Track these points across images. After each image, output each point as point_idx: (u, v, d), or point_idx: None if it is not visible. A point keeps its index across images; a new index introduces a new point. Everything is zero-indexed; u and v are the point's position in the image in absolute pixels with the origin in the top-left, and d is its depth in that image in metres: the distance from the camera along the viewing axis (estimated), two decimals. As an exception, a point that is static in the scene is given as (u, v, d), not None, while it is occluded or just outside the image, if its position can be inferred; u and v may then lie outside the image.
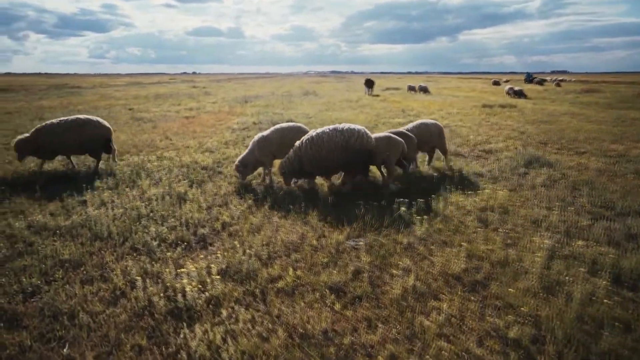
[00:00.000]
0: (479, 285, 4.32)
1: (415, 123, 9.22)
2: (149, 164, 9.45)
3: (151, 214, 6.24)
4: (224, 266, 4.70)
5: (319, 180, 8.04)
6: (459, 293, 4.16)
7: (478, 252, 5.00)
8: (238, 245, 5.17)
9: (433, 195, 7.04)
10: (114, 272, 4.54)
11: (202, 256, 4.96)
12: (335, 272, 4.59)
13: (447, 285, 4.33)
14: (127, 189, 7.60)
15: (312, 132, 7.33)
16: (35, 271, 4.58)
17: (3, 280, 4.41)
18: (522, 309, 3.83)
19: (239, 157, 8.14)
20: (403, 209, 6.23)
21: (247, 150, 8.20)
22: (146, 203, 6.68)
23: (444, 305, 3.94)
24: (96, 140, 9.08)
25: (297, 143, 7.34)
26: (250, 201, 6.85)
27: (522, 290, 4.13)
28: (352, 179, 7.69)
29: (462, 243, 5.25)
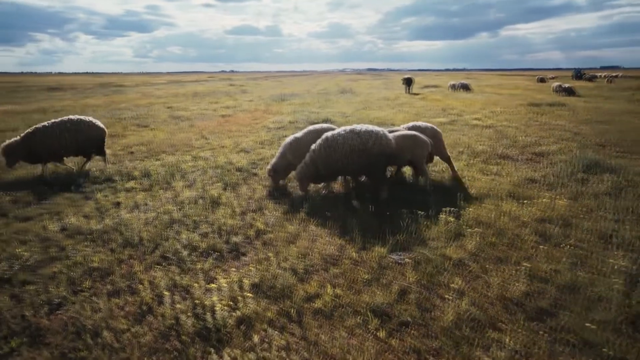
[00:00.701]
0: (545, 314, 3.77)
1: (407, 125, 8.29)
2: (184, 165, 9.29)
3: (183, 219, 5.99)
4: (257, 280, 4.35)
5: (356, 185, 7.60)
6: (522, 323, 3.63)
7: (540, 272, 4.43)
8: (272, 257, 4.82)
9: (481, 204, 6.46)
10: (142, 284, 4.28)
11: (234, 268, 4.63)
12: (378, 291, 4.15)
13: (506, 312, 3.81)
14: (161, 191, 7.43)
15: (327, 134, 6.86)
16: (64, 280, 4.38)
17: (32, 288, 4.23)
18: (604, 349, 3.27)
19: (271, 162, 7.79)
20: (451, 219, 5.71)
21: (278, 154, 7.79)
22: (179, 207, 6.45)
23: (506, 338, 3.42)
24: (92, 141, 8.81)
25: (313, 146, 6.92)
26: (285, 206, 6.50)
27: (600, 324, 3.56)
28: (387, 183, 7.23)
29: (521, 261, 4.69)
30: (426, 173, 7.22)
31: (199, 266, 4.66)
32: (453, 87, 35.73)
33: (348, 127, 6.81)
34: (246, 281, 4.26)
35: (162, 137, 13.15)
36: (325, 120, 16.23)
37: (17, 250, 4.97)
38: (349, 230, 5.55)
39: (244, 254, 5.03)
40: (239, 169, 8.91)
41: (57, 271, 4.55)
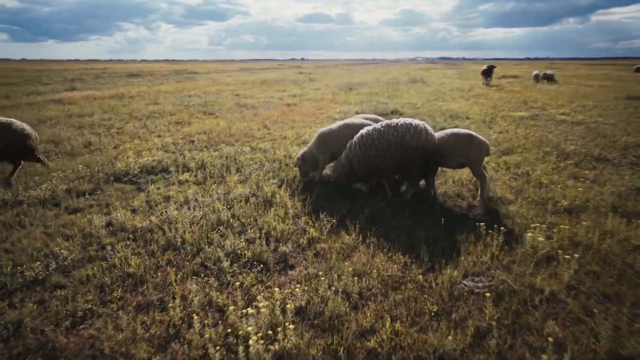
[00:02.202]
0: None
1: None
2: (241, 157, 8.87)
3: (231, 220, 5.50)
4: (302, 303, 3.72)
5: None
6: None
7: (668, 323, 3.38)
8: (323, 276, 4.15)
9: (577, 219, 5.35)
10: (175, 298, 3.80)
11: (278, 287, 4.02)
12: (448, 330, 3.35)
13: (625, 381, 2.86)
14: (214, 186, 7.02)
15: (363, 131, 6.34)
16: (95, 286, 4.02)
17: (61, 294, 3.90)
18: None
19: (302, 150, 7.30)
20: (540, 238, 4.72)
21: (310, 143, 7.37)
22: (228, 205, 5.97)
23: None
24: (12, 146, 7.30)
25: (349, 143, 6.46)
26: (344, 210, 5.80)
27: None
28: (415, 184, 6.55)
29: (638, 303, 3.65)
30: (484, 179, 6.21)
31: (240, 280, 4.10)
32: (536, 77, 32.83)
33: (384, 122, 6.25)
34: (290, 305, 3.63)
35: (224, 125, 12.93)
36: (394, 112, 15.26)
37: (57, 248, 4.71)
38: (415, 245, 4.75)
39: (292, 267, 4.42)
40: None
41: (91, 274, 4.21)
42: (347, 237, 4.99)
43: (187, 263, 4.45)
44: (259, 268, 4.35)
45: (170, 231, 5.13)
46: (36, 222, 5.52)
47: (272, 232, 5.15)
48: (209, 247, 4.74)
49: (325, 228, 5.25)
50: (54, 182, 7.15)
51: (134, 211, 5.92)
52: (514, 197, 6.28)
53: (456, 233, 5.08)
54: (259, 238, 4.99)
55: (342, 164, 6.53)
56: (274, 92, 24.32)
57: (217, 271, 4.26)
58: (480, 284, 4.05)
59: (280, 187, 6.91)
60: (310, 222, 5.46)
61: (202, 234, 5.10)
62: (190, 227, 5.33)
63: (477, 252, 4.56)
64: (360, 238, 4.97)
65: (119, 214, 5.67)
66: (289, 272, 4.31)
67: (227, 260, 4.42)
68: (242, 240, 4.94)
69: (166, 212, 5.80)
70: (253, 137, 11.24)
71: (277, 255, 4.64)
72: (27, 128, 7.56)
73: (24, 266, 4.33)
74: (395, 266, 4.34)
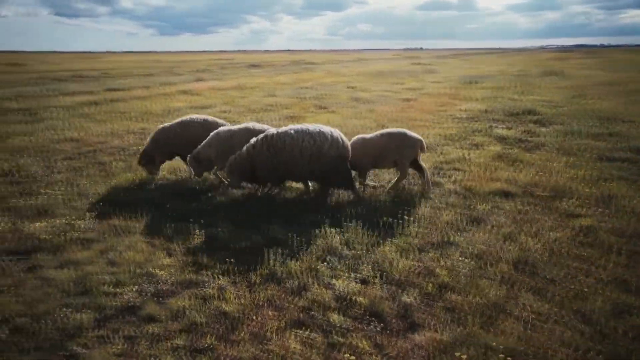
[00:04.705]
0: None
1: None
2: (356, 162, 8.05)
3: (341, 248, 4.70)
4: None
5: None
6: None
7: None
8: (458, 349, 3.13)
9: None
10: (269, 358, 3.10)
11: (398, 355, 3.11)
12: None
13: None
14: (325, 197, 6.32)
15: (269, 132, 6.09)
16: (186, 325, 3.49)
17: (152, 332, 3.43)
18: None
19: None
20: None
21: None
22: (343, 230, 5.15)
23: None
24: None
25: (253, 140, 6.07)
26: (482, 246, 4.65)
27: None
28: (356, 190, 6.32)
29: None
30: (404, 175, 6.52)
31: (349, 342, 3.27)
32: None
33: (296, 126, 6.05)
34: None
35: (338, 122, 12.22)
36: (530, 112, 13.21)
37: (156, 270, 4.32)
38: (592, 313, 3.48)
39: (417, 327, 3.45)
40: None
41: (185, 306, 3.71)
42: (490, 289, 3.87)
43: (290, 305, 3.74)
44: (374, 323, 3.47)
45: (274, 256, 4.49)
46: (144, 229, 5.29)
47: (391, 271, 4.22)
48: (315, 285, 3.99)
49: (460, 270, 4.18)
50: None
51: (238, 223, 5.42)
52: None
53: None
54: (374, 278, 4.11)
55: (241, 161, 5.99)
56: (389, 85, 23.15)
57: (325, 324, 3.48)
58: None
59: (399, 204, 5.94)
60: (440, 260, 4.42)
61: (309, 264, 4.37)
62: (299, 253, 4.64)
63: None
64: (510, 292, 3.82)
65: (223, 229, 5.20)
66: (413, 336, 3.36)
67: (337, 312, 3.62)
68: (353, 278, 4.11)
69: (271, 228, 5.20)
70: (368, 137, 10.34)
71: (397, 306, 3.71)
72: None
73: (123, 288, 4.00)
74: (566, 349, 3.14)
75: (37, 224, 5.38)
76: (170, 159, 7.48)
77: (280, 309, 3.70)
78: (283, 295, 3.89)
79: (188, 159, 6.82)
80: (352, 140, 6.49)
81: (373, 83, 24.70)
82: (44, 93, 19.76)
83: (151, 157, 7.10)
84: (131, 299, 3.84)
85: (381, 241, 4.87)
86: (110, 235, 5.07)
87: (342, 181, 6.16)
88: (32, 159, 8.44)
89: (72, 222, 5.43)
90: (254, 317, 3.59)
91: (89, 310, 3.67)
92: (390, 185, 6.64)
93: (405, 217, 5.41)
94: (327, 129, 6.06)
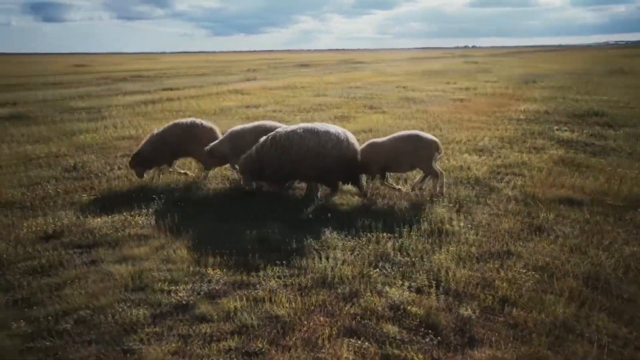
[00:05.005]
0: None
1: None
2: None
3: (395, 255, 4.54)
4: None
5: None
6: None
7: None
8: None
9: None
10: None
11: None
12: None
13: None
14: (377, 200, 6.18)
15: (278, 131, 6.12)
16: (237, 326, 3.48)
17: (204, 331, 3.46)
18: None
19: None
20: None
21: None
22: (396, 235, 5.00)
23: None
24: None
25: (262, 139, 6.12)
26: (546, 258, 4.35)
27: None
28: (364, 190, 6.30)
29: None
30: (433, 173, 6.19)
31: (404, 355, 3.13)
32: None
33: (304, 125, 6.07)
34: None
35: (391, 123, 12.02)
36: (595, 114, 12.39)
37: (209, 270, 4.36)
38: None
39: (476, 343, 3.26)
40: (475, 179, 6.94)
41: (237, 307, 3.71)
42: (555, 305, 3.60)
43: (341, 312, 3.65)
44: (430, 337, 3.31)
45: (325, 260, 4.42)
46: (197, 227, 5.38)
47: (447, 280, 4.03)
48: (368, 292, 3.87)
49: (523, 284, 3.92)
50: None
51: (290, 225, 5.40)
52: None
53: None
54: (429, 287, 3.94)
55: (252, 159, 6.07)
56: (441, 85, 22.52)
57: (378, 334, 3.36)
58: None
59: (455, 209, 5.71)
60: (500, 271, 4.17)
61: (361, 269, 4.26)
62: (349, 255, 4.55)
63: None
64: (581, 310, 3.53)
65: (275, 230, 5.19)
66: (472, 352, 3.17)
67: (391, 321, 3.49)
68: (406, 287, 3.95)
69: (324, 231, 5.13)
70: (421, 139, 10.06)
71: (455, 318, 3.53)
72: None
73: (178, 285, 4.07)
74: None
75: (98, 219, 5.61)
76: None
77: (331, 315, 3.62)
78: (335, 301, 3.80)
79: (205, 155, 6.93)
80: (363, 145, 6.38)
81: (424, 82, 24.15)
82: (106, 92, 20.85)
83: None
84: (185, 297, 3.88)
85: (436, 248, 4.68)
86: (165, 233, 5.18)
87: (348, 181, 6.27)
88: (95, 155, 8.86)
89: (130, 218, 5.62)
90: (305, 323, 3.52)
91: (145, 306, 3.75)
92: (427, 190, 6.44)
93: (462, 224, 5.18)
94: (334, 129, 6.05)
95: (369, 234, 5.03)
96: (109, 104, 16.65)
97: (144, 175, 7.14)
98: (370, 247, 4.72)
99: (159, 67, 44.82)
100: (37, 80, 28.38)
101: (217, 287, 4.06)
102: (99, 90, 21.76)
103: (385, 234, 4.99)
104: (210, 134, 7.14)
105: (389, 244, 4.74)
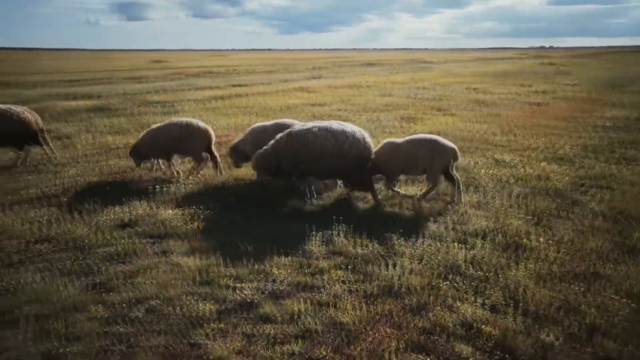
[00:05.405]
0: None
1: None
2: (481, 170, 7.45)
3: (465, 267, 4.28)
4: None
5: None
6: None
7: None
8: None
9: None
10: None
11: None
12: None
13: None
14: (446, 207, 5.89)
15: (294, 128, 6.18)
16: (301, 331, 3.42)
17: (267, 332, 3.43)
18: None
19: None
20: None
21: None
22: (468, 246, 4.73)
23: None
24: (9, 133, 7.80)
25: (278, 136, 6.15)
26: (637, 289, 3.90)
27: None
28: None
29: None
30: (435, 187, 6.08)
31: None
32: None
33: (319, 123, 6.14)
34: None
35: (460, 126, 11.55)
36: None
37: (274, 269, 4.34)
38: None
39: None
40: (555, 191, 6.43)
41: (301, 310, 3.65)
42: (655, 341, 3.19)
43: (409, 324, 3.47)
44: (505, 361, 3.06)
45: (392, 267, 4.26)
46: (262, 225, 5.41)
47: (525, 300, 3.72)
48: (437, 306, 3.66)
49: (614, 312, 3.53)
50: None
51: (355, 228, 5.27)
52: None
53: None
54: (506, 306, 3.65)
55: (267, 155, 6.06)
56: (515, 87, 21.32)
57: (449, 352, 3.15)
58: None
59: (534, 222, 5.31)
60: (587, 295, 3.79)
61: (430, 280, 4.06)
62: (417, 264, 4.35)
63: None
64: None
65: (340, 232, 5.09)
66: (556, 384, 2.88)
67: (462, 340, 3.26)
68: (482, 305, 3.69)
69: (390, 236, 4.95)
70: (493, 144, 9.55)
71: (534, 344, 3.23)
72: (26, 114, 8.04)
73: (242, 283, 4.09)
74: None
75: (170, 211, 5.80)
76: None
77: (398, 327, 3.45)
78: (401, 312, 3.64)
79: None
80: (380, 145, 6.28)
81: (496, 85, 23.01)
82: (180, 87, 21.85)
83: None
84: (249, 295, 3.89)
85: (512, 264, 4.35)
86: (231, 228, 5.25)
87: (360, 182, 6.18)
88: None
89: (199, 211, 5.76)
90: (371, 332, 3.39)
91: (211, 301, 3.80)
92: (419, 194, 6.22)
93: (541, 239, 4.79)
94: (350, 128, 6.04)
95: (437, 243, 4.80)
96: (182, 98, 17.42)
97: (141, 165, 7.60)
98: (439, 257, 4.49)
99: (229, 64, 46.37)
100: (119, 74, 30.38)
101: (280, 288, 4.03)
102: (173, 85, 22.86)
103: (455, 244, 4.73)
104: (205, 134, 7.35)
105: (460, 255, 4.48)
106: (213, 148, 7.53)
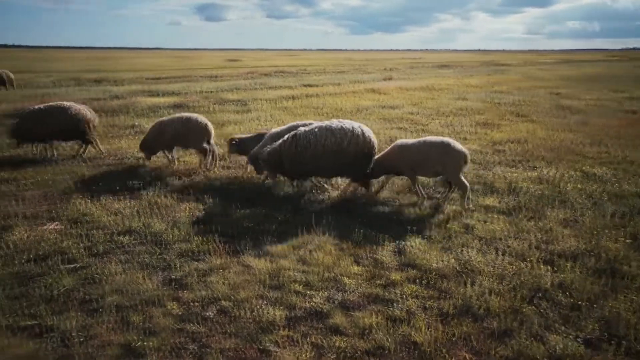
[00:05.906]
0: None
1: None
2: (568, 184, 6.84)
3: (557, 293, 3.90)
4: None
5: None
6: None
7: None
8: None
9: None
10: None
11: None
12: None
13: None
14: (528, 223, 5.46)
15: (299, 130, 6.33)
16: (374, 347, 3.27)
17: (338, 345, 3.32)
18: None
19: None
20: None
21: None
22: (555, 267, 4.33)
23: None
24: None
25: (284, 138, 6.37)
26: None
27: None
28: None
29: None
30: (463, 187, 5.93)
31: None
32: None
33: (319, 123, 6.42)
34: None
35: (543, 134, 10.76)
36: None
37: (344, 278, 4.23)
38: None
39: None
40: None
41: (373, 324, 3.50)
42: None
43: (490, 351, 3.21)
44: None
45: (470, 285, 3.99)
46: (333, 230, 5.29)
47: (628, 337, 3.30)
48: (522, 334, 3.36)
49: None
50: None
51: (429, 239, 5.03)
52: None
53: None
54: (605, 342, 3.26)
55: (275, 153, 6.30)
56: (606, 93, 19.60)
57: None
58: None
59: (634, 248, 4.75)
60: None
61: (512, 303, 3.74)
62: (498, 284, 4.04)
63: None
64: None
65: (413, 242, 4.88)
66: None
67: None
68: (575, 338, 3.33)
69: (466, 252, 4.66)
70: (583, 155, 8.77)
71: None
72: (86, 111, 8.60)
73: (312, 290, 4.02)
74: None
75: (242, 211, 5.89)
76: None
77: (478, 354, 3.20)
78: (481, 337, 3.37)
79: None
80: (391, 145, 6.45)
81: (583, 90, 21.27)
82: (253, 86, 22.44)
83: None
84: (319, 304, 3.81)
85: (609, 292, 3.91)
86: (302, 232, 5.18)
87: (358, 176, 6.37)
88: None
89: (270, 213, 5.79)
90: (447, 356, 3.17)
91: (280, 307, 3.76)
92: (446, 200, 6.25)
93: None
94: (349, 124, 6.23)
95: (520, 262, 4.44)
96: (255, 97, 17.84)
97: (151, 158, 8.08)
98: (522, 278, 4.14)
99: (300, 64, 47.01)
100: (198, 73, 31.86)
101: (351, 298, 3.91)
102: (246, 84, 23.53)
103: (541, 265, 4.35)
104: (205, 129, 7.81)
105: (547, 278, 4.11)
106: (212, 142, 8.02)
